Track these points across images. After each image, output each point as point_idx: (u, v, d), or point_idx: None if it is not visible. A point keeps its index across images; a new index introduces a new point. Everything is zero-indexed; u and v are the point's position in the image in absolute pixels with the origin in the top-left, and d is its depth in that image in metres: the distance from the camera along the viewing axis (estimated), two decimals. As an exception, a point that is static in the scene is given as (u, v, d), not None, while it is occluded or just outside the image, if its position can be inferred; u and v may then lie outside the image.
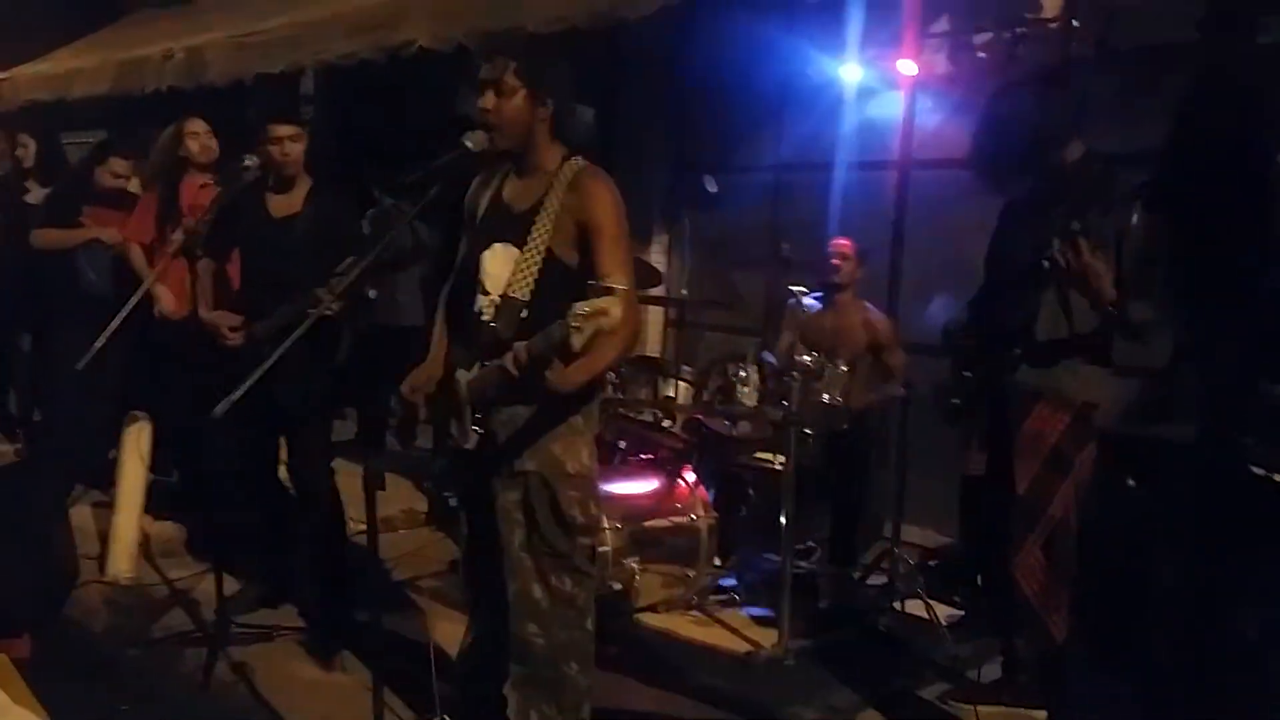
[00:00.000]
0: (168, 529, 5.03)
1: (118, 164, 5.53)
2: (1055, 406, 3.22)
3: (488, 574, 2.90)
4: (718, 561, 4.49)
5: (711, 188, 6.58)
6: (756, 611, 4.36)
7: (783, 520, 4.04)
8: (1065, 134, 3.25)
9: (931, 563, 4.83)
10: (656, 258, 6.90)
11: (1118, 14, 4.77)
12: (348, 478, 5.00)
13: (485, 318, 2.80)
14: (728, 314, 6.19)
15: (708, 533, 4.39)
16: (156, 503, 4.97)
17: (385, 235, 2.99)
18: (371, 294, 4.05)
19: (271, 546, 4.33)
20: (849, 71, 5.73)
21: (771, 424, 4.30)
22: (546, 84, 2.78)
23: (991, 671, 3.79)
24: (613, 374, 4.41)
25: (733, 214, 6.52)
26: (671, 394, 4.49)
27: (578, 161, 2.83)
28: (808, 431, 4.29)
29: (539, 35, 4.91)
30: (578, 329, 2.36)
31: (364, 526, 2.86)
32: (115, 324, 3.68)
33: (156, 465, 4.95)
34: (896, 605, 4.35)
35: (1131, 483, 3.72)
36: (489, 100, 2.74)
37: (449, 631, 3.40)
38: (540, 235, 2.74)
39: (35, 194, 6.16)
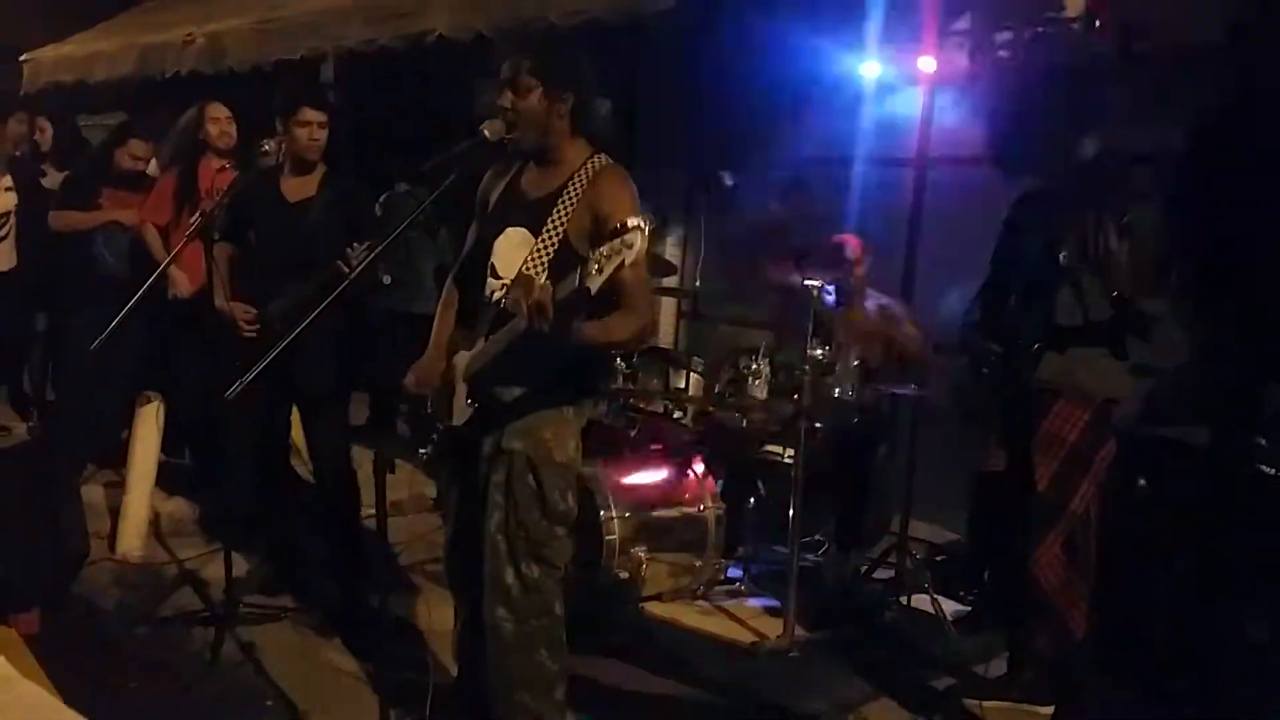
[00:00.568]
0: (178, 508, 5.06)
1: (137, 146, 5.55)
2: (1075, 404, 3.22)
3: (472, 557, 2.91)
4: (725, 553, 4.48)
5: (728, 181, 6.59)
6: (762, 603, 4.37)
7: (790, 513, 4.04)
8: (1084, 128, 3.24)
9: (939, 558, 4.82)
10: (672, 251, 6.90)
11: (1140, 15, 4.74)
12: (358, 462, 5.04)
13: (496, 299, 2.81)
14: (741, 307, 6.18)
15: (715, 524, 4.39)
16: (175, 482, 5.01)
17: (400, 221, 3.00)
18: (386, 279, 4.08)
19: (279, 526, 4.35)
20: (869, 68, 5.71)
21: (782, 417, 4.29)
22: (564, 80, 2.79)
23: (997, 667, 3.79)
24: (623, 364, 4.42)
25: (749, 208, 6.51)
26: (683, 385, 4.49)
27: (602, 159, 2.83)
28: (817, 425, 4.29)
29: (558, 28, 4.91)
30: (598, 270, 2.34)
31: (373, 511, 2.87)
32: (130, 305, 3.70)
33: (168, 445, 4.98)
34: (903, 600, 4.35)
35: (1143, 482, 3.72)
36: (507, 99, 2.76)
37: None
38: (558, 221, 2.74)
39: (52, 178, 6.20)
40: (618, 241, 2.34)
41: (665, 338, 6.70)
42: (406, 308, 6.08)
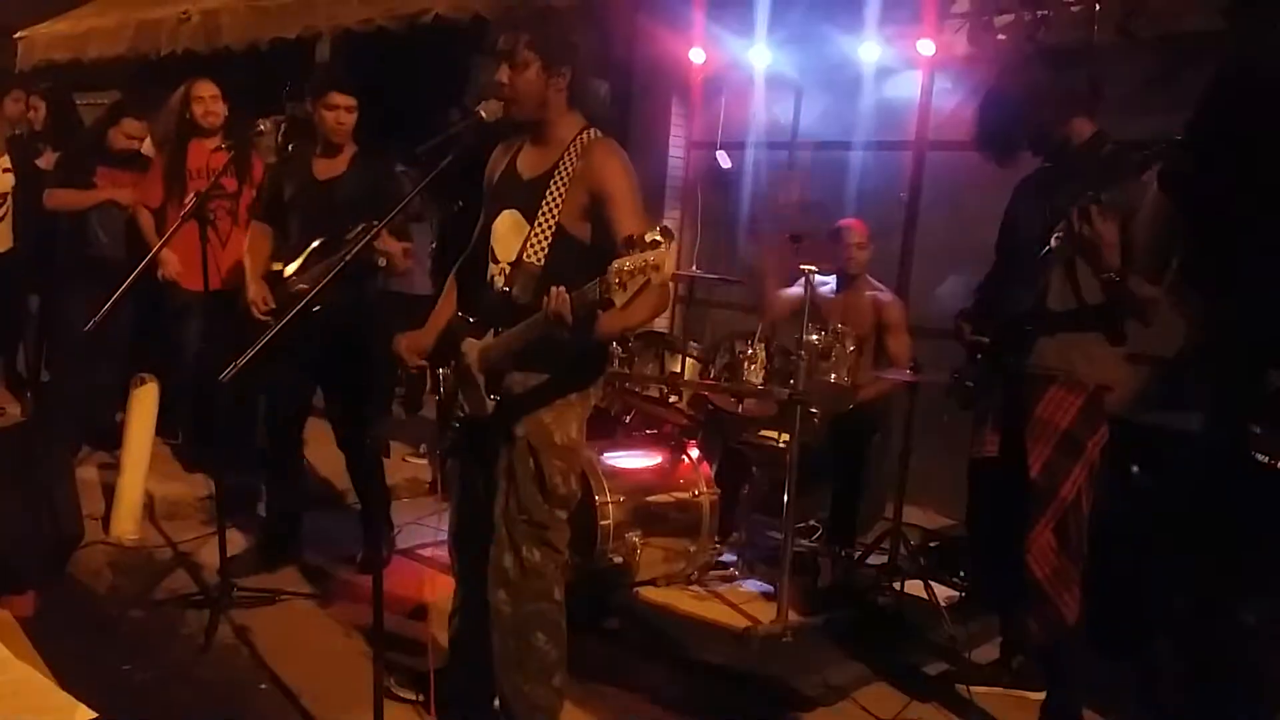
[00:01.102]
0: (173, 491, 5.06)
1: (131, 125, 5.52)
2: (1068, 389, 3.21)
3: (477, 541, 2.92)
4: (719, 537, 4.49)
5: (725, 163, 6.57)
6: (757, 588, 4.37)
7: (785, 498, 4.04)
8: (1070, 110, 3.22)
9: (932, 544, 4.83)
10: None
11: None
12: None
13: (498, 284, 2.80)
14: (737, 291, 6.17)
15: (710, 509, 4.40)
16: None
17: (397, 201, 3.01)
18: (381, 261, 4.07)
19: (282, 502, 4.43)
20: (868, 50, 5.68)
21: (777, 402, 4.29)
22: (562, 56, 2.77)
23: (989, 653, 3.80)
24: (619, 348, 4.41)
25: (746, 191, 6.50)
26: (678, 370, 4.48)
27: (593, 133, 2.82)
28: (813, 410, 4.28)
29: (555, 8, 4.89)
30: (619, 285, 2.30)
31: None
32: (125, 286, 3.68)
33: (163, 427, 4.98)
34: (896, 585, 4.35)
35: (1136, 469, 3.72)
36: (503, 73, 2.74)
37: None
38: (552, 203, 2.73)
39: (46, 157, 6.16)
40: (641, 259, 2.29)
41: (661, 322, 6.69)
42: (402, 289, 6.06)
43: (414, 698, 3.25)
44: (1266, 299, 2.93)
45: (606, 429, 4.75)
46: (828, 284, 5.01)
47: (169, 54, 7.07)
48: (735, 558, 4.60)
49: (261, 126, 4.36)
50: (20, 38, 8.35)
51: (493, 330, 2.79)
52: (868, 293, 4.98)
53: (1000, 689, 3.61)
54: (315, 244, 3.99)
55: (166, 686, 3.35)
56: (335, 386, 4.27)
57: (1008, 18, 5.05)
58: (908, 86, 5.70)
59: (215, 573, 3.90)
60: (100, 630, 3.69)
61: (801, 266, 4.18)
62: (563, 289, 2.46)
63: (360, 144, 4.26)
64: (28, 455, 3.86)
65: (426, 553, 4.45)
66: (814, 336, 4.17)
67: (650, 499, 4.30)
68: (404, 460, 5.71)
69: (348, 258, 3.01)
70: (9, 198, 5.97)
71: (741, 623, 4.01)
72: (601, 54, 6.32)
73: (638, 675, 3.68)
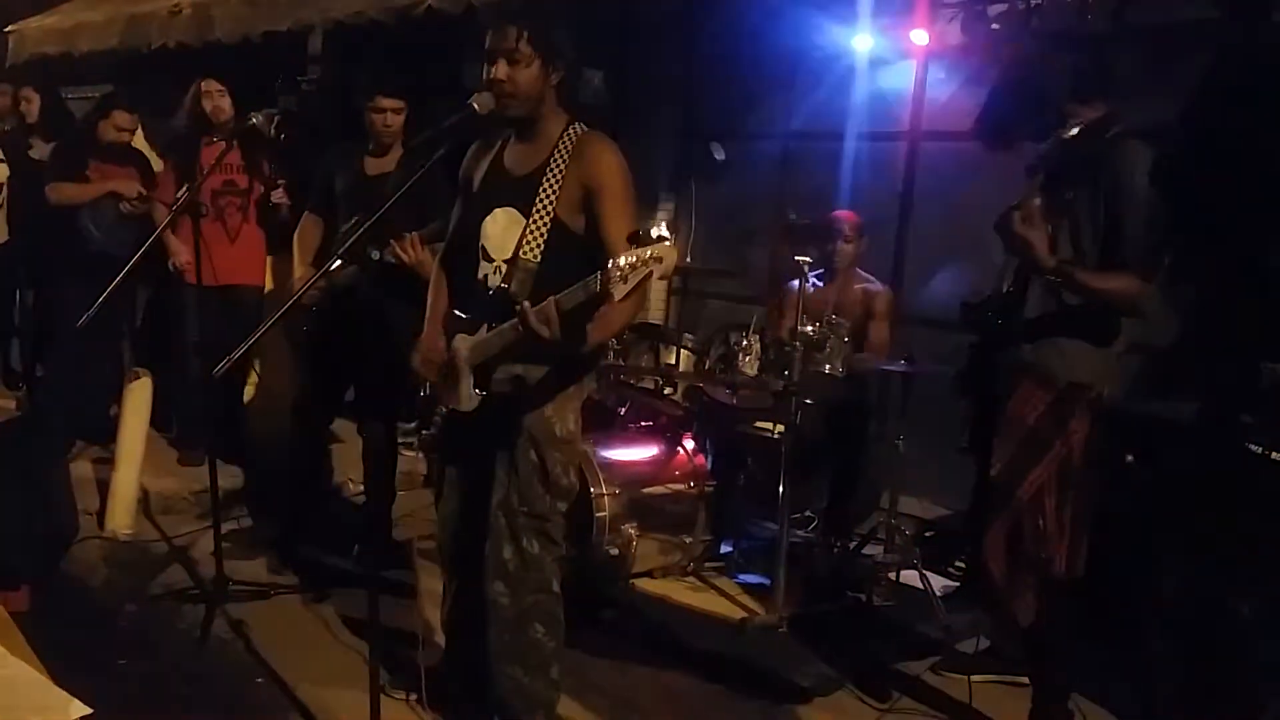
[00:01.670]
0: (168, 485, 5.05)
1: (122, 118, 5.50)
2: (1037, 386, 3.11)
3: (470, 534, 2.91)
4: (715, 529, 4.49)
5: (719, 155, 6.55)
6: (752, 579, 4.38)
7: (780, 490, 4.04)
8: (1069, 94, 3.17)
9: (928, 534, 4.84)
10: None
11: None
12: (350, 441, 5.04)
13: (493, 282, 2.80)
14: (732, 282, 6.17)
15: (706, 500, 4.40)
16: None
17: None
18: (374, 254, 4.07)
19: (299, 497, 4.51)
20: (861, 40, 5.67)
21: (772, 393, 4.29)
22: (559, 53, 2.77)
23: (984, 642, 3.81)
24: (614, 340, 4.41)
25: (740, 182, 6.49)
26: (673, 361, 4.48)
27: (581, 127, 2.81)
28: (808, 402, 4.29)
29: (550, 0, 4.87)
30: (620, 279, 2.30)
31: (361, 488, 2.88)
32: (119, 279, 3.68)
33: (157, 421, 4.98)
34: (892, 576, 4.36)
35: (1130, 459, 3.72)
36: (501, 69, 2.71)
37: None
38: (547, 199, 2.73)
39: (38, 149, 6.15)
40: (645, 252, 2.29)
41: (656, 313, 6.68)
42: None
43: (407, 696, 3.25)
44: (1259, 292, 2.94)
45: (602, 421, 4.75)
46: (818, 281, 5.00)
47: (160, 47, 7.03)
48: (731, 549, 4.60)
49: (254, 120, 4.36)
50: (10, 31, 8.30)
51: (486, 326, 2.78)
52: (858, 285, 4.97)
53: (994, 676, 3.61)
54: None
55: (162, 681, 3.35)
56: (362, 379, 4.32)
57: (1001, 7, 5.04)
58: (901, 77, 5.69)
59: (211, 567, 3.88)
60: (95, 625, 3.69)
61: (796, 258, 4.18)
62: (551, 304, 2.48)
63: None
64: (22, 450, 3.85)
65: (423, 545, 4.44)
66: (808, 328, 4.17)
67: (646, 491, 4.30)
68: (400, 453, 5.69)
69: (341, 250, 3.01)
70: (4, 188, 5.95)
71: (737, 614, 4.02)
72: (595, 44, 6.31)
73: (634, 667, 3.68)
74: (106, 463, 4.90)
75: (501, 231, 2.81)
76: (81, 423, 5.45)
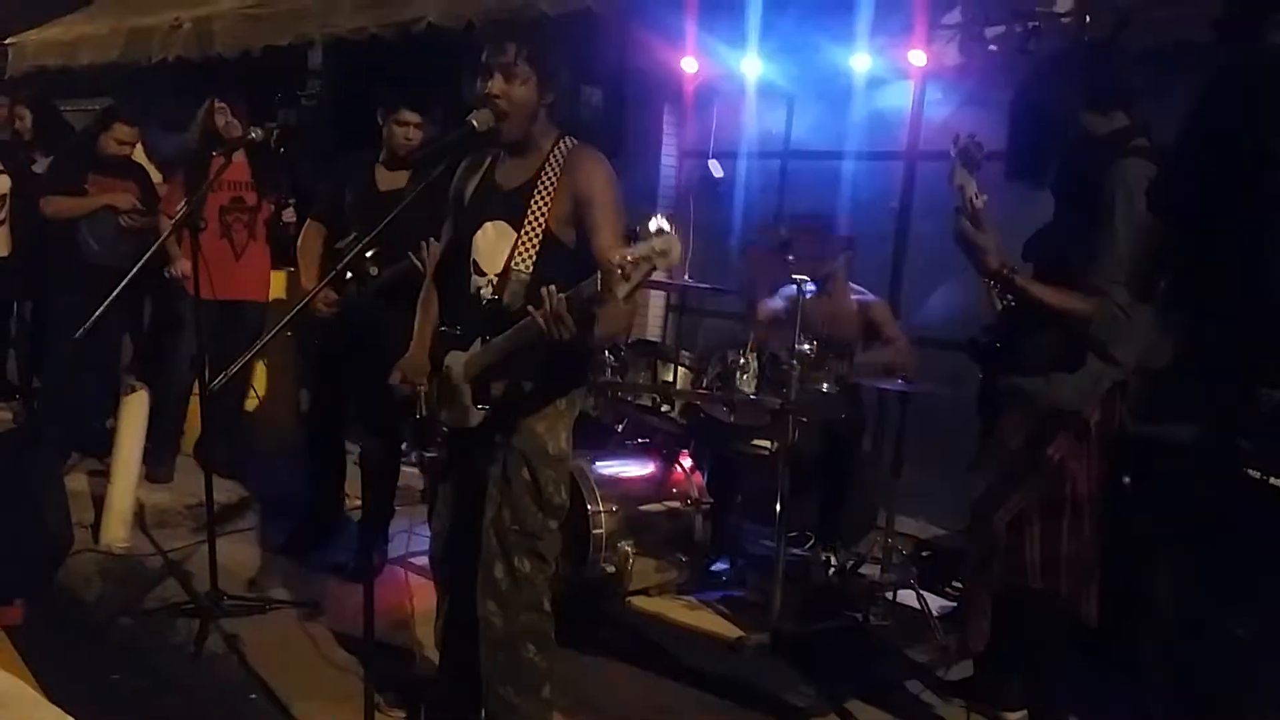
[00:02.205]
0: (163, 499, 5.04)
1: (123, 131, 5.52)
2: (1020, 415, 3.11)
3: (462, 552, 2.91)
4: (711, 547, 4.48)
5: (717, 173, 6.57)
6: (748, 598, 4.37)
7: (777, 508, 4.04)
8: (1086, 104, 3.16)
9: (925, 554, 4.83)
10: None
11: (1130, 11, 4.74)
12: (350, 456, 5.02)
13: (485, 295, 2.80)
14: (729, 300, 6.17)
15: (702, 518, 4.40)
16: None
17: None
18: (374, 270, 4.08)
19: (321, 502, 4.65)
20: (859, 60, 5.69)
21: (769, 412, 4.29)
22: (555, 70, 2.78)
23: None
24: (611, 357, 4.41)
25: (738, 200, 6.50)
26: (670, 379, 4.48)
27: (571, 141, 2.83)
28: (805, 420, 4.29)
29: (549, 17, 4.89)
30: (623, 276, 2.29)
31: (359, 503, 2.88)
32: (116, 293, 3.68)
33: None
34: (889, 595, 4.35)
35: (1127, 480, 3.71)
36: (497, 85, 2.72)
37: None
38: (538, 211, 2.73)
39: (41, 163, 6.16)
40: (647, 247, 2.29)
41: (653, 331, 6.69)
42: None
43: (402, 715, 3.24)
44: (1257, 316, 2.93)
45: (599, 438, 4.75)
46: (809, 290, 5.00)
47: (160, 61, 7.05)
48: (727, 567, 4.59)
49: (254, 134, 4.38)
50: (10, 44, 8.32)
51: (479, 340, 2.78)
52: (851, 297, 4.97)
53: (987, 704, 3.60)
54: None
55: (156, 696, 3.34)
56: (360, 392, 4.35)
57: (999, 29, 5.07)
58: (899, 97, 5.71)
59: (206, 581, 3.87)
60: (89, 639, 3.67)
61: (793, 275, 4.18)
62: (554, 288, 2.46)
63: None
64: (17, 462, 3.85)
65: (417, 561, 4.43)
66: (805, 346, 4.17)
67: (642, 508, 4.29)
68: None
69: (339, 268, 3.02)
70: (7, 200, 5.95)
71: (733, 633, 4.00)
72: (594, 62, 6.34)
73: (629, 684, 3.67)
74: (102, 475, 4.89)
75: (492, 245, 2.81)
76: (78, 435, 5.44)
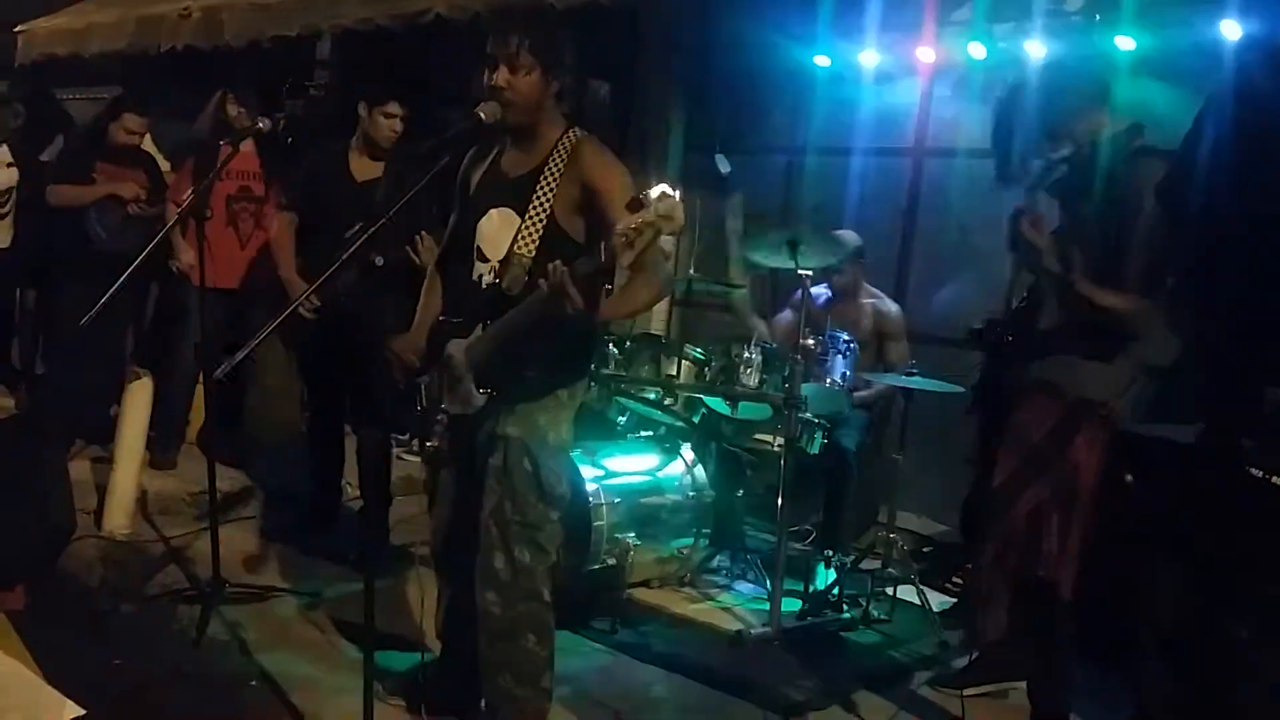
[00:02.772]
0: (166, 485, 5.05)
1: (132, 121, 5.52)
2: (1047, 401, 3.12)
3: (462, 542, 2.91)
4: (713, 540, 4.48)
5: (724, 168, 6.56)
6: (749, 591, 4.37)
7: (779, 502, 4.04)
8: (1082, 103, 3.17)
9: (926, 549, 4.84)
10: (664, 236, 6.86)
11: (1140, 8, 4.72)
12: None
13: (487, 281, 2.80)
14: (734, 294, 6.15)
15: (704, 511, 4.40)
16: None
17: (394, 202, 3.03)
18: (378, 260, 4.07)
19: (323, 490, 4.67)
20: (867, 56, 5.69)
21: (772, 406, 4.29)
22: (560, 62, 2.78)
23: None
24: (615, 350, 4.41)
25: (745, 195, 6.50)
26: (674, 372, 4.48)
27: (578, 132, 2.83)
28: (807, 415, 4.28)
29: (556, 9, 4.88)
30: (626, 244, 2.29)
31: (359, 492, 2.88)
32: (122, 280, 3.68)
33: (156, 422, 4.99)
34: (889, 591, 4.35)
35: (1130, 479, 3.71)
36: (502, 76, 2.72)
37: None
38: (543, 198, 2.74)
39: (46, 153, 6.16)
40: (649, 212, 2.28)
41: (658, 324, 6.68)
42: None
43: (402, 703, 3.24)
44: (1263, 315, 2.93)
45: (602, 431, 4.75)
46: (824, 292, 5.02)
47: (169, 50, 7.05)
48: (729, 561, 4.59)
49: (261, 124, 4.39)
50: (20, 31, 8.32)
51: (480, 327, 2.78)
52: (866, 300, 5.00)
53: (989, 687, 3.60)
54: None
55: (157, 682, 3.34)
56: (351, 382, 4.38)
57: (1006, 26, 5.06)
58: (907, 93, 5.70)
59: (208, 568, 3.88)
60: (90, 625, 3.67)
61: (799, 273, 4.18)
62: (559, 262, 2.46)
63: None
64: (21, 449, 3.86)
65: (420, 550, 4.44)
66: (810, 341, 4.17)
67: (645, 501, 4.30)
68: (399, 458, 5.70)
69: (344, 259, 3.02)
70: (13, 194, 5.96)
71: (734, 626, 4.01)
72: (601, 55, 6.33)
73: (630, 677, 3.68)
74: (105, 462, 4.90)
75: (496, 231, 2.81)
76: (81, 422, 5.45)
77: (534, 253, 2.71)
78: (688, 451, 4.53)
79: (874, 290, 5.05)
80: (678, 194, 2.31)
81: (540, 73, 2.74)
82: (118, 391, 4.88)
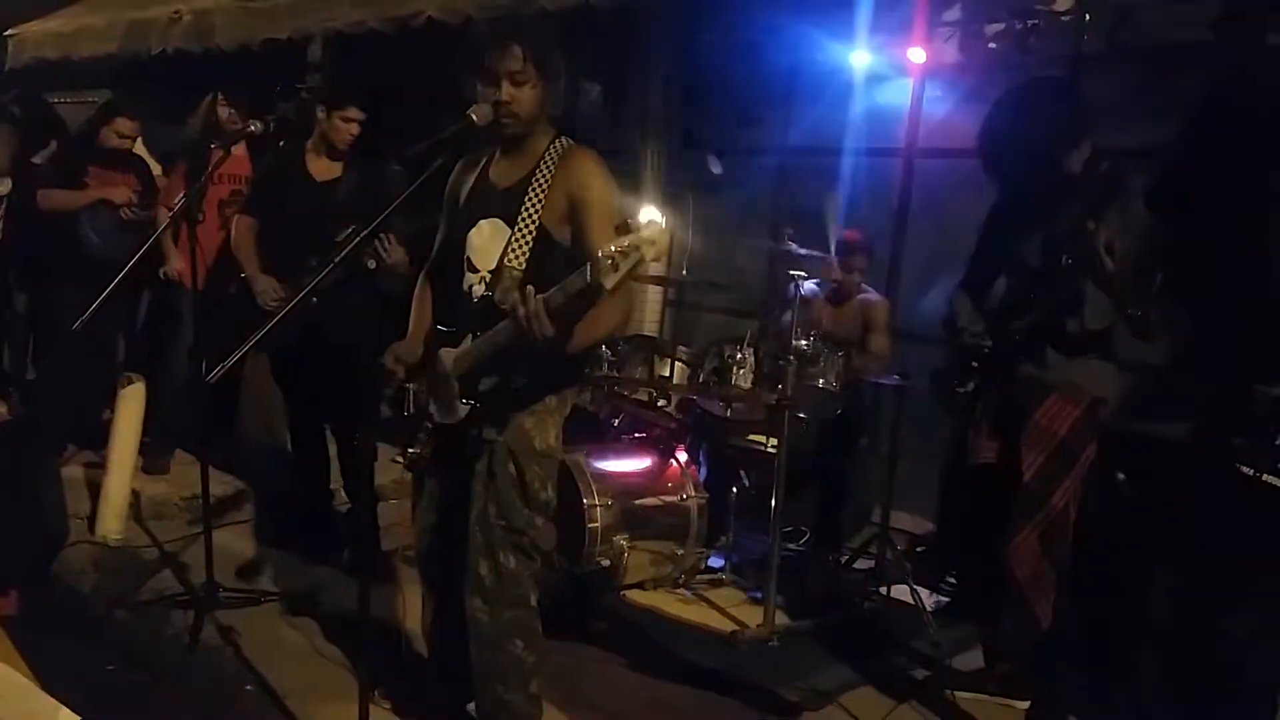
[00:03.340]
0: (159, 491, 5.04)
1: (124, 124, 5.50)
2: (1066, 400, 3.24)
3: (448, 548, 2.91)
4: (707, 541, 4.49)
5: (716, 169, 6.57)
6: (744, 592, 4.37)
7: (773, 503, 4.04)
8: (1074, 136, 3.22)
9: (919, 549, 4.84)
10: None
11: (1130, 10, 4.74)
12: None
13: (477, 292, 2.80)
14: (727, 295, 6.17)
15: (698, 512, 4.40)
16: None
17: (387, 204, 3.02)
18: (370, 264, 4.08)
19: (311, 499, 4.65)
20: (858, 57, 5.70)
21: (766, 407, 4.30)
22: (557, 72, 2.77)
23: (974, 659, 3.81)
24: (608, 351, 4.42)
25: (736, 196, 6.51)
26: (667, 374, 4.48)
27: (566, 140, 2.82)
28: (801, 416, 4.29)
29: (550, 13, 4.88)
30: (611, 266, 2.28)
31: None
32: (114, 284, 3.68)
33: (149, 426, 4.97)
34: (883, 590, 4.36)
35: (1122, 477, 3.74)
36: (506, 91, 2.70)
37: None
38: (532, 209, 2.73)
39: (38, 157, 6.13)
40: (636, 237, 2.28)
41: (650, 325, 6.69)
42: (400, 287, 6.07)
43: (395, 706, 3.24)
44: (1252, 313, 2.95)
45: (595, 432, 4.75)
46: (816, 289, 5.04)
47: (160, 53, 7.04)
48: (723, 562, 4.60)
49: (253, 127, 4.38)
50: (10, 35, 8.30)
51: (470, 337, 2.78)
52: (856, 296, 5.03)
53: (984, 696, 3.61)
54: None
55: (151, 688, 3.33)
56: (331, 387, 4.34)
57: (998, 26, 5.07)
58: (898, 94, 5.71)
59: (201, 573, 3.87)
60: (84, 631, 3.66)
61: (791, 272, 4.19)
62: (532, 288, 2.46)
63: (355, 146, 4.43)
64: (14, 454, 3.85)
65: (411, 554, 4.44)
66: (803, 342, 4.18)
67: (638, 502, 4.30)
68: (390, 461, 5.68)
69: (338, 259, 3.02)
70: (4, 200, 5.94)
71: (728, 627, 4.01)
72: (592, 57, 6.33)
73: (624, 679, 3.68)
74: (98, 467, 4.89)
75: (486, 242, 2.81)
76: (74, 427, 5.44)
77: (524, 265, 2.71)
78: (681, 453, 4.53)
79: (864, 287, 5.08)
80: (664, 221, 2.32)
81: (541, 85, 2.74)
82: (110, 396, 4.87)
